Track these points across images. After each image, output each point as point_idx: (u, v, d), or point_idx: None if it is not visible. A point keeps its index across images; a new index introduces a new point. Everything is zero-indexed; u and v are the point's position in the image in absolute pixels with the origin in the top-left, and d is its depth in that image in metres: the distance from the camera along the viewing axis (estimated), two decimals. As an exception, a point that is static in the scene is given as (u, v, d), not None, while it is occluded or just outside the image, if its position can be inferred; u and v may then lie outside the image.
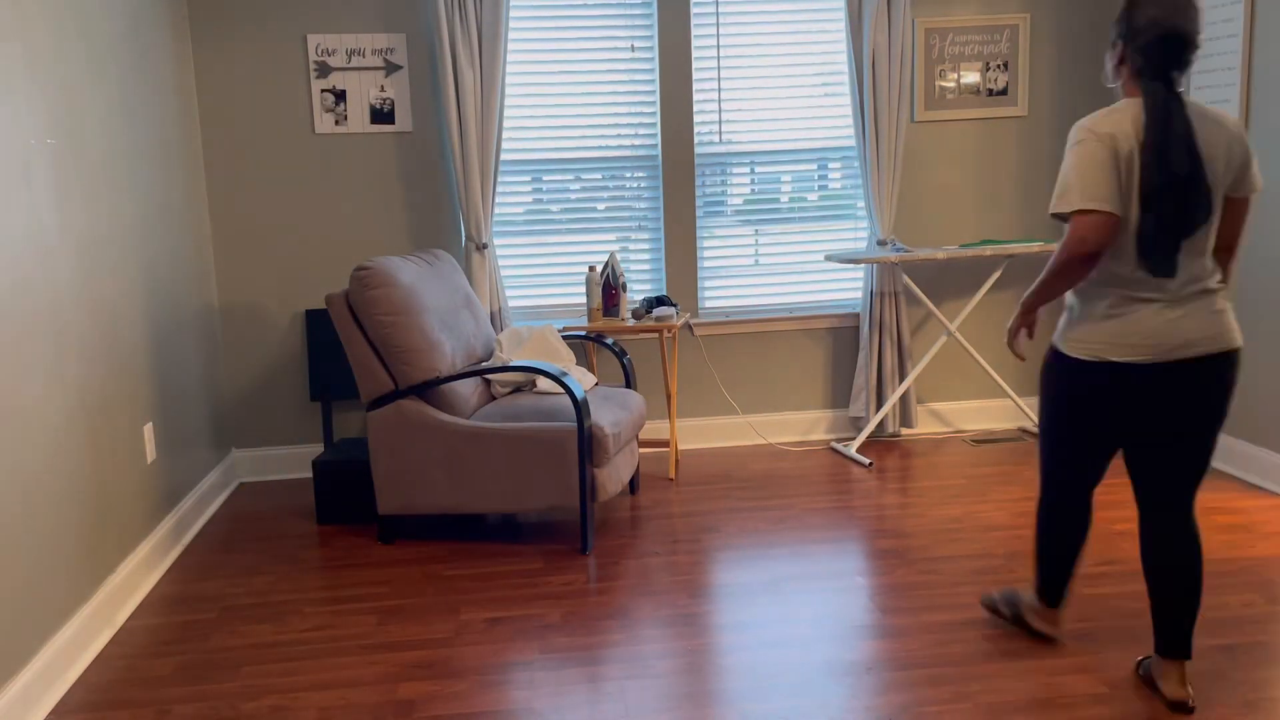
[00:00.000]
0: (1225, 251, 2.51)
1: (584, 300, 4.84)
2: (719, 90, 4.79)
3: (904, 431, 5.05)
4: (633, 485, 4.33)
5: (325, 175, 4.60)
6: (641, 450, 4.91)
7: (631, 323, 4.38)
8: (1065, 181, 2.36)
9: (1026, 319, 2.63)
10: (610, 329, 4.34)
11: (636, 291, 4.89)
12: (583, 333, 4.40)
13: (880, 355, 4.83)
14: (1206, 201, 2.31)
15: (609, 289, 4.38)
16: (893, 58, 4.61)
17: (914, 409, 4.91)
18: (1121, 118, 2.34)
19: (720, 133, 4.82)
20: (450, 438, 3.69)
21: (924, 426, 5.08)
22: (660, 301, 4.45)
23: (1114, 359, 2.42)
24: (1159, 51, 2.33)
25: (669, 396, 4.51)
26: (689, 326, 4.88)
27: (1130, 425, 2.48)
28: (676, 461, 4.63)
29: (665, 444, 4.59)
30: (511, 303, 4.82)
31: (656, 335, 4.84)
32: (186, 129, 4.32)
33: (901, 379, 4.87)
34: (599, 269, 4.45)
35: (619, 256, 4.73)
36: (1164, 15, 2.31)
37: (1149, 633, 2.91)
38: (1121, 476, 4.27)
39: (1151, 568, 2.53)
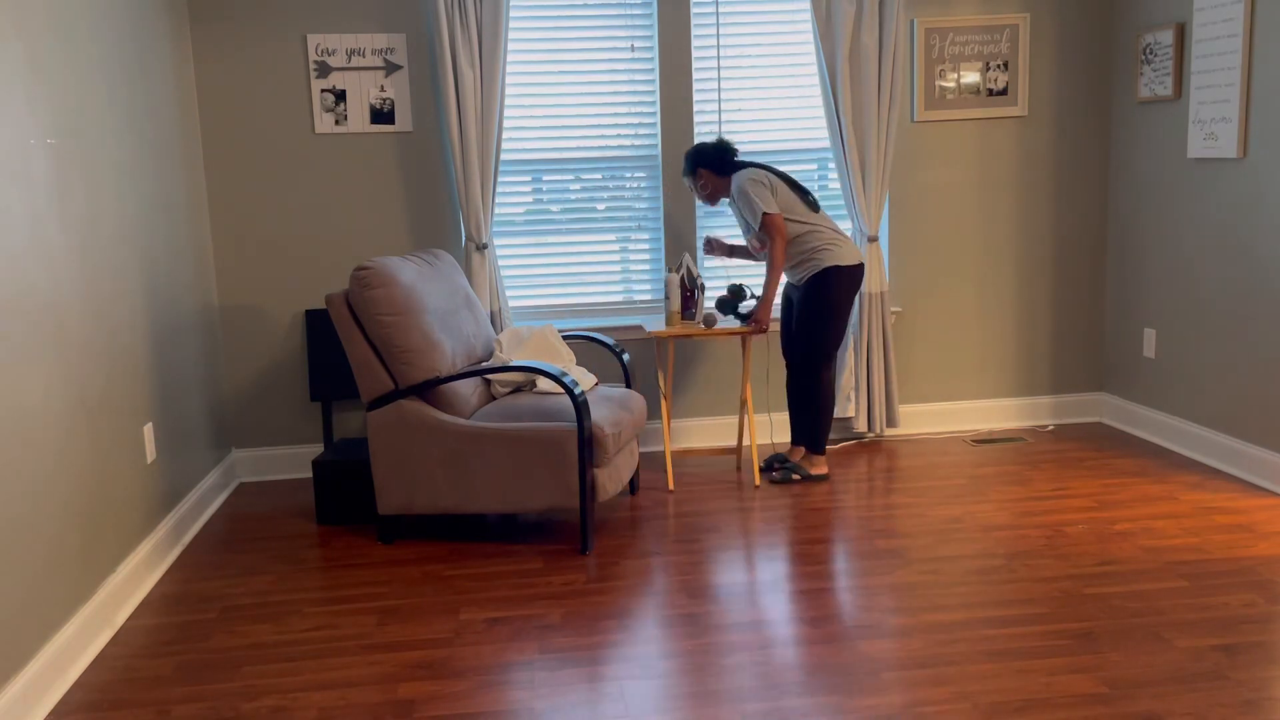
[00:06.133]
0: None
1: (586, 300, 4.84)
2: (719, 90, 4.79)
3: (888, 432, 5.03)
4: (633, 485, 4.33)
5: (325, 175, 4.60)
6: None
7: (715, 325, 4.27)
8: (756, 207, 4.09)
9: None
10: (690, 333, 4.23)
11: (638, 291, 4.89)
12: (583, 333, 4.40)
13: (869, 354, 4.80)
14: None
15: (685, 291, 4.30)
16: (884, 57, 4.60)
17: (897, 410, 4.87)
18: (772, 179, 4.16)
19: (720, 133, 4.82)
20: (450, 438, 3.69)
21: (923, 426, 5.09)
22: (737, 294, 4.32)
23: (861, 261, 4.21)
24: (729, 155, 4.26)
25: (743, 402, 4.42)
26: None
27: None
28: (758, 466, 4.43)
29: (734, 451, 4.54)
30: (511, 303, 4.82)
31: (721, 336, 4.67)
32: (186, 129, 4.33)
33: (888, 377, 4.83)
34: (678, 271, 4.31)
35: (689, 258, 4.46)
36: (723, 145, 4.27)
37: (1149, 633, 2.92)
38: (1120, 476, 4.27)
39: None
